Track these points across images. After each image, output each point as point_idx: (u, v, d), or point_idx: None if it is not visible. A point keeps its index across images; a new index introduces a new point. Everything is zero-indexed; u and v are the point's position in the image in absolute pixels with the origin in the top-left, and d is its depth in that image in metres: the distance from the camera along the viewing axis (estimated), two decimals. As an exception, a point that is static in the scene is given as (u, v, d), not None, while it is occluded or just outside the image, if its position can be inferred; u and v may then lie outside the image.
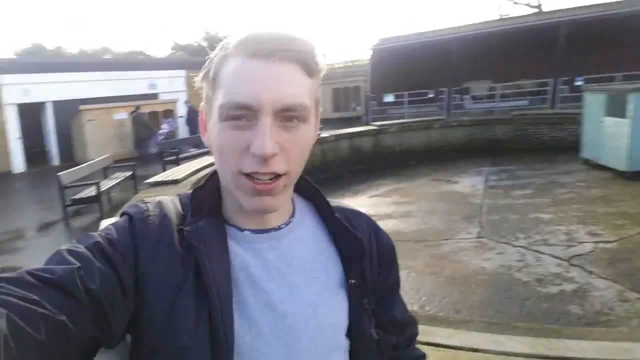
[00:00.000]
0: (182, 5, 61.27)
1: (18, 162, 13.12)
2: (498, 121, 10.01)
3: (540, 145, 9.23)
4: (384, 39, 17.37)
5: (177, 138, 13.99)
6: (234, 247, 0.59)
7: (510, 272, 3.75)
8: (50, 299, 0.45)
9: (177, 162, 8.87)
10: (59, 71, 13.77)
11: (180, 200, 0.65)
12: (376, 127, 9.77)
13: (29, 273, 0.47)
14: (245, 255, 0.59)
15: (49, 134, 13.89)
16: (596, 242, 4.16)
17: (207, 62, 0.58)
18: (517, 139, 9.54)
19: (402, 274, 0.70)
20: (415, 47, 16.46)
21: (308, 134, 0.57)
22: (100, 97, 14.14)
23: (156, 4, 59.96)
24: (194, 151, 11.08)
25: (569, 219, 4.86)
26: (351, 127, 10.93)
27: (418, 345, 0.82)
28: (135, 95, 15.19)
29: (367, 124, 13.18)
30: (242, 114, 0.52)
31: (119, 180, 7.72)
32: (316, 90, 0.58)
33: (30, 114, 13.41)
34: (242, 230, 0.61)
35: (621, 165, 6.29)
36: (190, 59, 20.24)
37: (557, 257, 3.93)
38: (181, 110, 15.63)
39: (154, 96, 16.25)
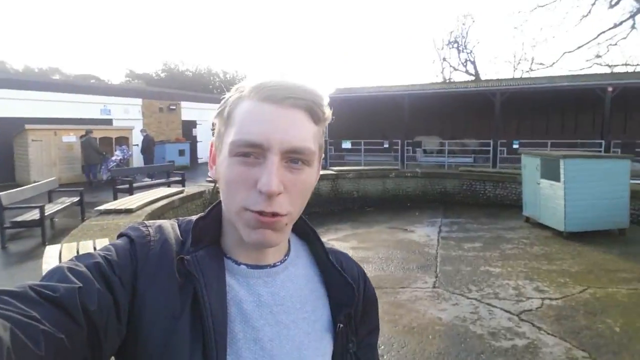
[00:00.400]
0: (138, 33, 60.75)
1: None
2: (448, 175, 10.53)
3: (486, 200, 9.83)
4: (340, 89, 18.19)
5: (131, 167, 13.44)
6: (229, 280, 0.60)
7: (465, 324, 3.86)
8: (50, 317, 0.45)
9: (130, 191, 8.48)
10: (3, 87, 12.99)
11: (180, 226, 0.65)
12: (335, 172, 9.98)
13: (32, 288, 0.47)
14: (239, 289, 0.60)
15: (-12, 152, 12.89)
16: (542, 299, 4.40)
17: (222, 102, 0.61)
18: (465, 193, 10.10)
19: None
20: (370, 99, 17.40)
21: (311, 177, 0.60)
22: (48, 118, 13.42)
23: (111, 28, 58.88)
24: (148, 181, 10.68)
25: (517, 274, 5.14)
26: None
27: None
28: (86, 119, 14.60)
29: (325, 168, 13.45)
30: (251, 152, 0.55)
31: (65, 205, 7.22)
32: (320, 137, 0.62)
33: (-31, 129, 12.45)
34: (239, 264, 0.62)
35: (559, 226, 6.79)
36: (147, 88, 19.91)
37: (508, 312, 4.11)
38: (137, 139, 15.14)
39: (108, 122, 15.70)
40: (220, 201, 0.63)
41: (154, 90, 19.67)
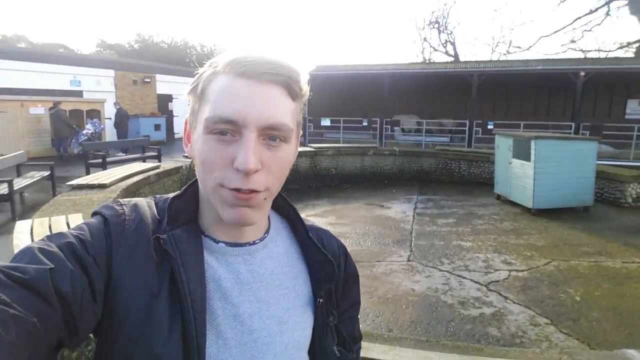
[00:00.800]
0: (110, 1, 57.75)
1: None
2: (425, 154, 10.71)
3: (461, 178, 10.10)
4: (321, 67, 18.00)
5: (104, 141, 13.04)
6: (207, 258, 0.60)
7: (436, 295, 4.04)
8: (21, 300, 0.44)
9: (103, 166, 8.26)
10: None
11: (157, 204, 0.64)
12: (313, 149, 9.99)
13: (0, 271, 0.45)
14: (218, 267, 0.60)
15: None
16: (510, 271, 4.63)
17: (195, 77, 0.59)
18: (441, 172, 10.33)
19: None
20: (351, 77, 17.32)
21: (289, 154, 0.59)
22: (13, 88, 12.75)
23: (83, -4, 55.60)
24: (122, 156, 10.42)
25: (486, 248, 5.36)
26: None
27: None
28: (55, 90, 13.96)
29: (304, 145, 13.42)
30: (227, 129, 0.53)
31: (35, 179, 6.97)
32: (298, 113, 0.61)
33: None
34: (217, 242, 0.62)
35: (528, 203, 7.07)
36: (120, 60, 19.12)
37: (477, 282, 4.31)
38: (109, 112, 14.65)
39: (78, 94, 15.06)
40: (196, 179, 0.62)
41: (127, 61, 18.87)
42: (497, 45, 40.44)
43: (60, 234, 0.54)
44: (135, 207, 0.61)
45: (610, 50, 25.97)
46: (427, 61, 28.15)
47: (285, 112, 0.56)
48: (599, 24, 28.95)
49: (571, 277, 4.44)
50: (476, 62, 18.47)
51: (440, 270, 4.63)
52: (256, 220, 0.58)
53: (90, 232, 0.55)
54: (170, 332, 0.53)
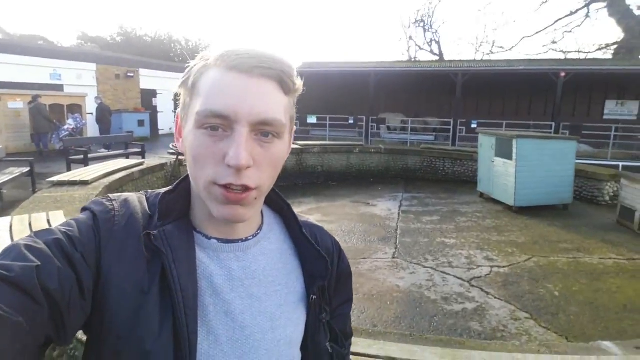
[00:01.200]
0: (94, -6, 56.46)
1: None
2: (410, 152, 10.81)
3: (445, 177, 10.23)
4: (307, 63, 17.98)
5: (86, 136, 12.79)
6: (199, 255, 0.59)
7: (420, 291, 4.10)
8: (6, 299, 0.43)
9: (85, 162, 8.12)
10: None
11: (148, 200, 0.63)
12: (299, 147, 9.99)
13: None
14: (210, 263, 0.59)
15: None
16: (491, 267, 4.73)
17: (186, 70, 0.58)
18: (425, 170, 10.44)
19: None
20: (337, 74, 17.36)
21: (282, 150, 0.58)
22: (-11, 81, 12.43)
23: (64, -14, 54.20)
24: (104, 152, 10.25)
25: (469, 245, 5.46)
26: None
27: None
28: (35, 84, 13.62)
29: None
30: (218, 124, 0.52)
31: (14, 175, 6.79)
32: (291, 108, 0.60)
33: None
34: (209, 238, 0.61)
35: (509, 201, 7.21)
36: (102, 53, 18.72)
37: (460, 278, 4.39)
38: (91, 107, 14.36)
39: (59, 88, 14.72)
40: (188, 175, 0.60)
41: (110, 55, 18.49)
42: (481, 45, 41.12)
43: (48, 230, 0.53)
44: (126, 202, 0.61)
45: (589, 52, 26.66)
46: (413, 60, 28.41)
47: (278, 107, 0.55)
48: (579, 26, 29.70)
49: (550, 273, 4.56)
50: (460, 61, 18.75)
51: (425, 267, 4.70)
52: (247, 217, 0.57)
53: (79, 228, 0.55)
54: (161, 329, 0.53)
